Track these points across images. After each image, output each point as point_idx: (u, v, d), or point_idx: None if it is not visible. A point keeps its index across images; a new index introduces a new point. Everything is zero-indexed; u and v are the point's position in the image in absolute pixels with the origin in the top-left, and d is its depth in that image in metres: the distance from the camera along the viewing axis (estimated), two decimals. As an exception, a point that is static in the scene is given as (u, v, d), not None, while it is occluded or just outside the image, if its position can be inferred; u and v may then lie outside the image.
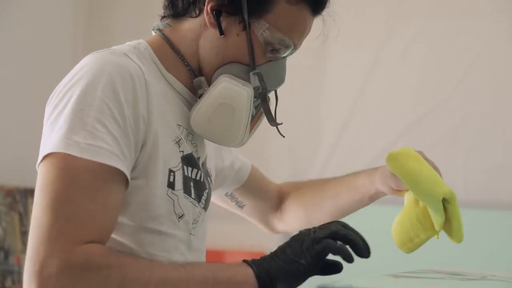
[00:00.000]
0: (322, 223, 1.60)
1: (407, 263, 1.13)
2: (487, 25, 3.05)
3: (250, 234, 3.33)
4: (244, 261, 1.17)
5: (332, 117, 3.32)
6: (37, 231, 1.11)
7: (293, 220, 1.67)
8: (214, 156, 1.50)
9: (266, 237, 3.48)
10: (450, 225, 1.31)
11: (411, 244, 1.36)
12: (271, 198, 1.67)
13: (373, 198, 1.54)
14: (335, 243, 1.16)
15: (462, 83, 3.09)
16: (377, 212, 2.18)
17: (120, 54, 1.26)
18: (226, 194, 1.62)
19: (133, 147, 1.20)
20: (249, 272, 1.16)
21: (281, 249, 1.18)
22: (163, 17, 1.37)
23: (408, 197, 1.40)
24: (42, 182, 1.15)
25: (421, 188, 1.30)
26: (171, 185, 1.26)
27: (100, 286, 1.10)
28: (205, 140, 1.40)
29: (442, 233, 1.39)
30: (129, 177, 1.19)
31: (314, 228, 1.18)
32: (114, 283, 1.10)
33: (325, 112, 3.34)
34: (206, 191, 1.37)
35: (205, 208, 1.37)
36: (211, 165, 1.44)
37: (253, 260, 1.17)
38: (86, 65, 1.22)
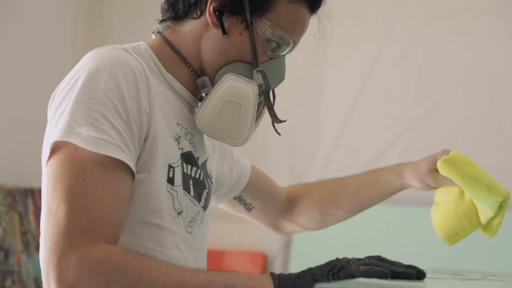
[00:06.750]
0: (340, 220, 1.67)
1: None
2: (486, 25, 3.05)
3: (249, 234, 3.33)
4: (271, 273, 1.15)
5: (332, 117, 3.32)
6: (54, 224, 1.12)
7: (307, 220, 1.70)
8: (216, 159, 1.51)
9: (265, 237, 3.49)
10: (491, 221, 1.46)
11: (456, 238, 1.50)
12: (279, 200, 1.69)
13: (394, 192, 1.63)
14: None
15: (462, 83, 3.09)
16: (378, 212, 2.18)
17: (121, 49, 1.27)
18: (234, 197, 1.63)
19: (137, 140, 1.21)
20: (270, 286, 1.13)
21: (311, 269, 1.15)
22: (162, 21, 1.38)
23: (445, 194, 1.52)
24: (53, 177, 1.16)
25: (480, 191, 1.42)
26: (170, 180, 1.27)
27: (116, 282, 1.10)
28: (205, 142, 1.41)
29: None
30: (134, 170, 1.20)
31: (353, 258, 1.13)
32: (131, 279, 1.11)
33: (325, 113, 3.34)
34: (206, 191, 1.38)
35: (204, 208, 1.38)
36: (212, 167, 1.45)
37: (279, 275, 1.15)
38: (87, 61, 1.23)
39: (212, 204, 1.57)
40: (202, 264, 1.39)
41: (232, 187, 1.61)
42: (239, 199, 1.64)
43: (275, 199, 1.69)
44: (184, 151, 1.31)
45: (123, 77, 1.21)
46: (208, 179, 1.41)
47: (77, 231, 1.11)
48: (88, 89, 1.19)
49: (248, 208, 1.66)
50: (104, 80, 1.19)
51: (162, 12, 1.38)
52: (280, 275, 1.15)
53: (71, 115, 1.17)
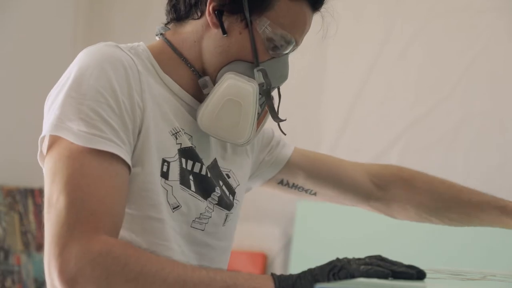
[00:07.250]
0: (433, 224, 1.65)
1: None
2: (486, 24, 3.05)
3: (249, 234, 3.33)
4: (271, 274, 1.15)
5: (332, 117, 3.32)
6: (55, 216, 1.13)
7: (397, 213, 1.67)
8: (245, 157, 1.49)
9: (265, 237, 3.49)
10: None
11: None
12: (356, 184, 1.65)
13: None
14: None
15: (462, 82, 3.09)
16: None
17: (113, 46, 1.27)
18: (289, 186, 1.62)
19: (131, 133, 1.21)
20: (271, 286, 1.13)
21: (311, 269, 1.15)
22: (167, 23, 1.38)
23: None
24: (51, 171, 1.16)
25: None
26: (164, 175, 1.27)
27: (117, 275, 1.10)
28: (212, 144, 1.40)
29: (442, 234, 1.41)
30: (129, 162, 1.21)
31: (353, 258, 1.14)
32: (132, 273, 1.11)
33: (325, 112, 3.34)
34: (218, 188, 1.37)
35: (220, 204, 1.37)
36: (230, 167, 1.44)
37: (280, 275, 1.15)
38: (80, 58, 1.24)
39: (253, 185, 1.58)
40: (209, 261, 1.37)
41: (267, 169, 1.59)
42: (295, 187, 1.62)
43: (346, 185, 1.64)
44: (182, 146, 1.31)
45: (114, 72, 1.21)
46: (220, 181, 1.40)
47: (77, 222, 1.12)
48: (78, 85, 1.19)
49: (311, 193, 1.63)
50: (95, 76, 1.20)
51: (166, 14, 1.39)
52: (281, 275, 1.15)
53: (62, 110, 1.18)
